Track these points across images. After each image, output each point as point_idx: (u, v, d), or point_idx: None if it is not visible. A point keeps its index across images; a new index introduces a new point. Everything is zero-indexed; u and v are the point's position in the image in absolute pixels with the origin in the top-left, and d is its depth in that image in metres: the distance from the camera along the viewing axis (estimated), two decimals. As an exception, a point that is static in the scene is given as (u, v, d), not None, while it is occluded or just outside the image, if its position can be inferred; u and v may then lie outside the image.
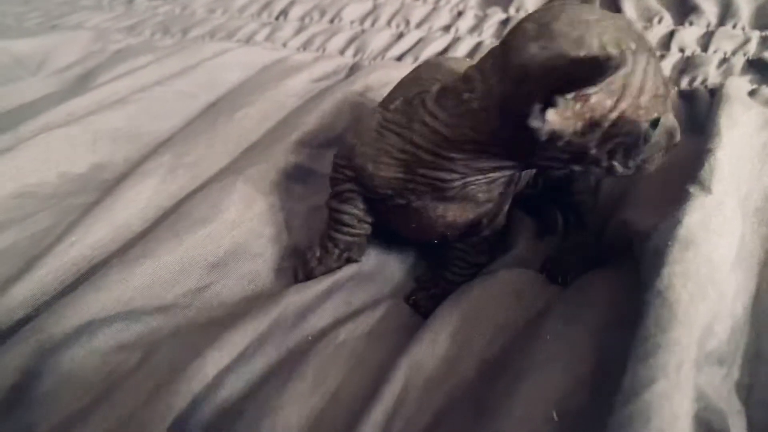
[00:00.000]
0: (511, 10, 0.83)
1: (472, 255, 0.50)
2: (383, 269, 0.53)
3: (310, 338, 0.44)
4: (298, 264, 0.51)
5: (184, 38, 0.90)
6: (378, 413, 0.38)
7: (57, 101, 0.72)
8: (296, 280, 0.50)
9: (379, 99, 0.51)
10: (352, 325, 0.45)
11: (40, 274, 0.47)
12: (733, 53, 0.65)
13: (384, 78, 0.71)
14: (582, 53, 0.35)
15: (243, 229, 0.52)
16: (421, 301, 0.49)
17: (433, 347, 0.41)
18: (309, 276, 0.50)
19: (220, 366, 0.42)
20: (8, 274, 0.48)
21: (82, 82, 0.79)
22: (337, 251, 0.50)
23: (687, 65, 0.66)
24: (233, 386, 0.41)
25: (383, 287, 0.52)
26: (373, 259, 0.53)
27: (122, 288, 0.45)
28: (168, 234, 0.49)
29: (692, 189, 0.43)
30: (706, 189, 0.43)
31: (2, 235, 0.52)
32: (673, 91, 0.37)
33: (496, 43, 0.78)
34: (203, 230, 0.50)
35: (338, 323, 0.46)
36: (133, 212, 0.53)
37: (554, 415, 0.35)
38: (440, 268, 0.51)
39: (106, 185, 0.59)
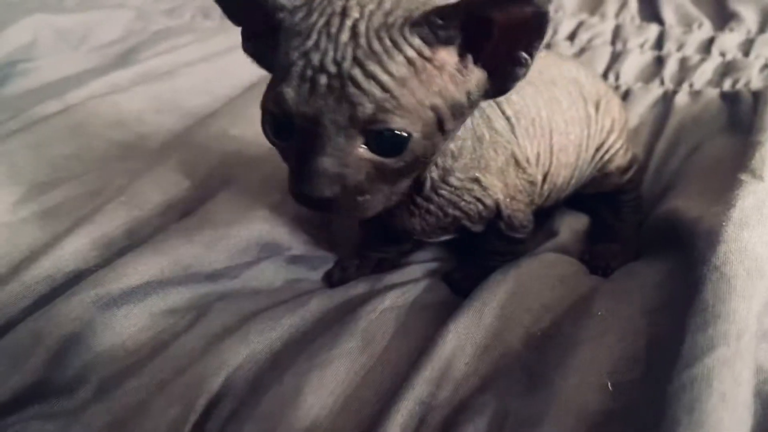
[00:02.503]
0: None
1: (496, 244, 0.49)
2: (416, 256, 0.54)
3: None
4: (335, 269, 0.52)
5: (225, 21, 0.91)
6: (427, 372, 0.38)
7: (100, 74, 0.73)
8: (331, 284, 0.51)
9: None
10: (395, 293, 0.46)
11: (89, 229, 0.48)
12: (776, 59, 0.67)
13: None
14: None
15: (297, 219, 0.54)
16: (460, 280, 0.50)
17: (480, 317, 0.42)
18: (344, 281, 0.51)
19: (268, 325, 0.42)
20: (60, 229, 0.49)
21: (124, 58, 0.80)
22: (372, 263, 0.52)
23: (728, 69, 0.67)
24: (282, 342, 0.42)
25: (417, 269, 0.53)
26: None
27: (181, 253, 0.46)
28: (227, 207, 0.50)
29: (744, 177, 0.44)
30: (757, 177, 0.43)
31: (53, 192, 0.52)
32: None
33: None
34: (262, 211, 0.51)
35: (381, 291, 0.47)
36: (183, 177, 0.54)
37: (609, 384, 0.36)
38: (473, 253, 0.51)
39: (151, 153, 0.60)
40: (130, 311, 0.43)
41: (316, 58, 0.33)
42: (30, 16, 0.85)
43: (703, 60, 0.69)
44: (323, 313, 0.45)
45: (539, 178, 0.49)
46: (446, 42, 0.34)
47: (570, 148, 0.49)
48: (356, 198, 0.35)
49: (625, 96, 0.69)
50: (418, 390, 0.37)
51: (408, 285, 0.48)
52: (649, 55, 0.73)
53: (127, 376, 0.39)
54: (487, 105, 0.44)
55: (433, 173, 0.42)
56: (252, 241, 0.49)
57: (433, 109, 0.34)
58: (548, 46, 0.79)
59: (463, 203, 0.44)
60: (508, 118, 0.46)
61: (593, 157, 0.52)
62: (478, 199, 0.45)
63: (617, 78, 0.71)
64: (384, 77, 0.32)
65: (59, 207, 0.52)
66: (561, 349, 0.39)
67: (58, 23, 0.86)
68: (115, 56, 0.82)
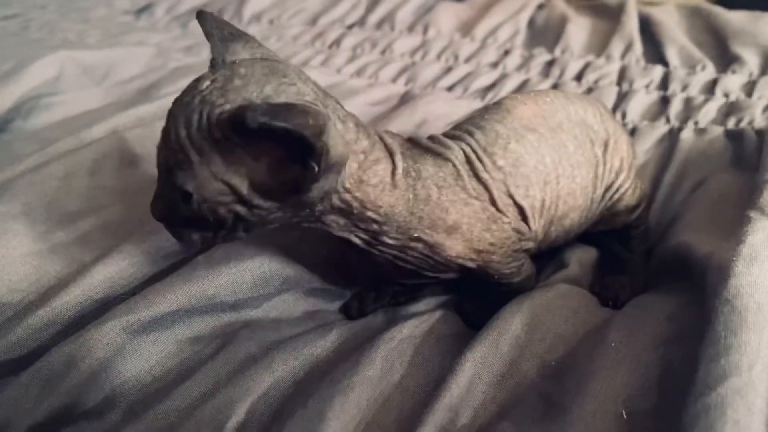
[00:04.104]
0: (557, 51, 0.87)
1: (491, 284, 0.50)
2: (432, 289, 0.55)
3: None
4: (353, 302, 0.53)
5: (242, 60, 0.94)
6: (446, 399, 0.39)
7: (123, 108, 0.75)
8: (349, 317, 0.52)
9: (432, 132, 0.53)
10: (412, 323, 0.48)
11: (117, 258, 0.50)
12: (778, 100, 0.69)
13: (438, 111, 0.75)
14: None
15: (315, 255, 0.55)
16: (470, 312, 0.51)
17: (496, 347, 0.43)
18: (362, 313, 0.52)
19: (292, 354, 0.44)
20: (88, 258, 0.51)
21: (145, 93, 0.83)
22: (387, 297, 0.53)
23: (732, 108, 0.69)
24: (305, 372, 0.43)
25: (433, 301, 0.54)
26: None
27: (208, 283, 0.48)
28: (249, 241, 0.51)
29: (753, 214, 0.45)
30: (766, 214, 0.45)
31: (81, 222, 0.54)
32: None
33: (542, 81, 0.83)
34: (283, 246, 0.53)
35: (399, 320, 0.49)
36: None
37: (623, 413, 0.37)
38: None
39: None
40: (158, 338, 0.44)
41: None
42: (54, 52, 0.88)
43: (707, 100, 0.71)
44: (343, 343, 0.46)
45: (540, 224, 0.50)
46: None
47: (578, 191, 0.50)
48: (178, 228, 0.41)
49: (632, 133, 0.71)
50: (438, 416, 0.38)
51: (424, 315, 0.49)
52: (654, 95, 0.76)
53: (155, 400, 0.40)
54: (462, 162, 0.46)
55: (356, 239, 0.44)
56: (275, 273, 0.51)
57: (227, 184, 0.38)
58: (555, 87, 0.81)
59: (410, 258, 0.46)
60: (500, 168, 0.47)
61: (602, 197, 0.53)
62: (427, 256, 0.46)
63: (624, 116, 0.73)
64: (190, 143, 0.37)
65: (87, 236, 0.54)
66: (576, 378, 0.40)
67: (81, 59, 0.89)
68: (137, 91, 0.85)
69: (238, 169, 0.37)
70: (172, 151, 0.38)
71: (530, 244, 0.50)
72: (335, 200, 0.41)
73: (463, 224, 0.45)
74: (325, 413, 0.38)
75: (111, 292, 0.48)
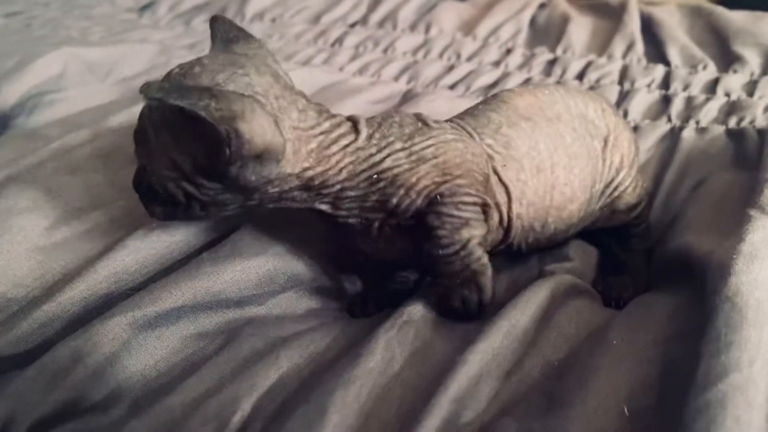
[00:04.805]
0: (558, 50, 0.87)
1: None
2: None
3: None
4: (356, 303, 0.53)
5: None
6: (452, 392, 0.39)
7: (127, 105, 0.75)
8: (353, 316, 0.52)
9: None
10: (413, 307, 0.48)
11: (122, 254, 0.50)
12: (780, 99, 0.69)
13: (440, 109, 0.75)
14: None
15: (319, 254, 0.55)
16: (439, 307, 0.49)
17: (507, 340, 0.43)
18: (365, 313, 0.52)
19: (297, 351, 0.44)
20: (93, 253, 0.51)
21: (149, 91, 0.83)
22: (389, 293, 0.53)
23: (733, 108, 0.69)
24: (310, 369, 0.43)
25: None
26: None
27: (213, 280, 0.48)
28: (255, 238, 0.52)
29: (753, 212, 0.46)
30: (766, 212, 0.45)
31: (85, 217, 0.55)
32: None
33: (544, 80, 0.83)
34: (288, 245, 0.53)
35: (399, 308, 0.48)
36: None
37: (625, 409, 0.37)
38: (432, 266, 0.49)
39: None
40: (163, 333, 0.44)
41: None
42: (58, 49, 0.88)
43: (708, 99, 0.72)
44: (348, 340, 0.46)
45: (529, 212, 0.50)
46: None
47: (576, 182, 0.50)
48: (145, 200, 0.47)
49: (634, 132, 0.71)
50: (443, 408, 0.38)
51: (422, 301, 0.49)
52: (656, 94, 0.76)
53: (160, 395, 0.41)
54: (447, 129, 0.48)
55: (322, 206, 0.47)
56: (279, 271, 0.51)
57: (173, 161, 0.42)
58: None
59: (373, 204, 0.46)
60: (488, 145, 0.48)
61: (602, 193, 0.53)
62: (390, 195, 0.46)
63: (625, 116, 0.74)
64: (149, 121, 0.43)
65: (92, 232, 0.54)
66: (578, 375, 0.41)
67: (85, 56, 0.89)
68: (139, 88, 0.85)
69: (184, 148, 0.42)
70: (140, 128, 0.44)
71: (496, 220, 0.49)
72: (293, 181, 0.44)
73: (427, 154, 0.46)
74: (326, 407, 0.38)
75: (116, 288, 0.48)
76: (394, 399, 0.41)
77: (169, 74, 0.43)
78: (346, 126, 0.46)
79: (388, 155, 0.46)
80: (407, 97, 0.83)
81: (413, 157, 0.46)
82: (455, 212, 0.46)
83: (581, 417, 0.37)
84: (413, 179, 0.45)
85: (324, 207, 0.47)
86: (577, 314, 0.47)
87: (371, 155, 0.45)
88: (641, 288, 0.53)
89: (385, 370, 0.42)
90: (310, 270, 0.53)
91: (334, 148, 0.45)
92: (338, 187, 0.45)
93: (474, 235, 0.47)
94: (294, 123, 0.43)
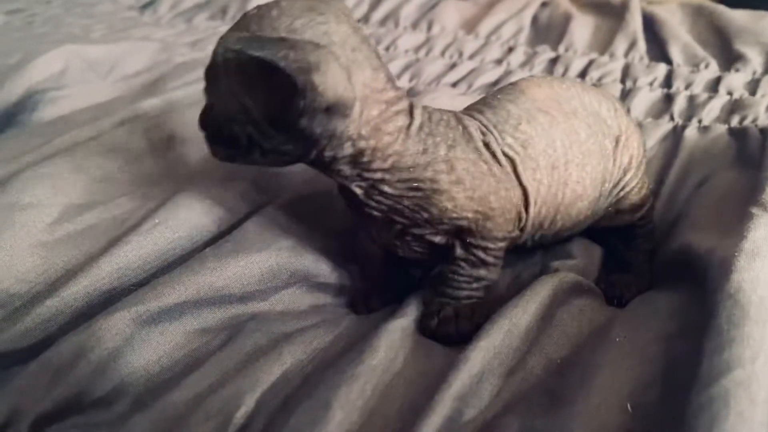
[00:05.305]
0: (560, 49, 0.87)
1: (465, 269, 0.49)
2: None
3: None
4: (360, 299, 0.53)
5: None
6: (455, 390, 0.40)
7: (129, 102, 0.75)
8: (357, 312, 0.52)
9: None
10: (417, 304, 0.48)
11: (125, 249, 0.50)
12: (782, 98, 0.69)
13: (442, 107, 0.75)
14: None
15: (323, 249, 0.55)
16: (437, 328, 0.48)
17: (510, 339, 0.44)
18: (369, 309, 0.52)
19: (300, 348, 0.44)
20: (96, 249, 0.51)
21: (151, 88, 0.83)
22: (394, 290, 0.53)
23: (736, 106, 0.69)
24: (313, 365, 0.43)
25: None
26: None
27: (217, 275, 0.48)
28: (259, 234, 0.52)
29: (755, 210, 0.46)
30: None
31: (88, 214, 0.54)
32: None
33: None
34: (292, 240, 0.53)
35: (402, 307, 0.49)
36: (212, 202, 0.56)
37: (628, 406, 0.37)
38: (440, 284, 0.50)
39: (180, 179, 0.62)
40: (166, 329, 0.45)
41: None
42: (59, 47, 0.88)
43: (710, 98, 0.72)
44: (351, 336, 0.46)
45: (540, 212, 0.50)
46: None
47: (587, 180, 0.50)
48: (209, 139, 0.45)
49: (637, 131, 0.71)
50: (446, 406, 0.39)
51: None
52: (658, 92, 0.76)
53: (163, 390, 0.41)
54: (476, 129, 0.48)
55: (357, 189, 0.46)
56: (282, 267, 0.51)
57: (241, 104, 0.41)
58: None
59: (404, 208, 0.46)
60: (509, 146, 0.48)
61: (609, 192, 0.53)
62: (422, 208, 0.46)
63: (628, 114, 0.74)
64: (222, 62, 0.41)
65: (94, 228, 0.54)
66: (581, 372, 0.41)
67: (86, 54, 0.89)
68: (142, 86, 0.85)
69: (256, 94, 0.40)
70: (211, 67, 0.42)
71: (516, 233, 0.50)
72: (348, 147, 0.43)
73: (466, 179, 0.46)
74: (330, 403, 0.38)
75: (119, 284, 0.48)
76: (397, 396, 0.41)
77: (245, 16, 0.42)
78: (405, 103, 0.45)
79: (431, 162, 0.45)
80: (409, 94, 0.82)
81: (453, 177, 0.45)
82: (481, 254, 0.48)
83: (584, 414, 0.37)
84: (449, 205, 0.45)
85: (359, 191, 0.46)
86: (579, 312, 0.48)
87: (417, 154, 0.45)
88: (644, 288, 0.53)
89: (389, 368, 0.42)
90: (313, 266, 0.53)
91: (390, 126, 0.44)
92: (379, 175, 0.45)
93: (489, 279, 0.49)
94: (366, 80, 0.42)
